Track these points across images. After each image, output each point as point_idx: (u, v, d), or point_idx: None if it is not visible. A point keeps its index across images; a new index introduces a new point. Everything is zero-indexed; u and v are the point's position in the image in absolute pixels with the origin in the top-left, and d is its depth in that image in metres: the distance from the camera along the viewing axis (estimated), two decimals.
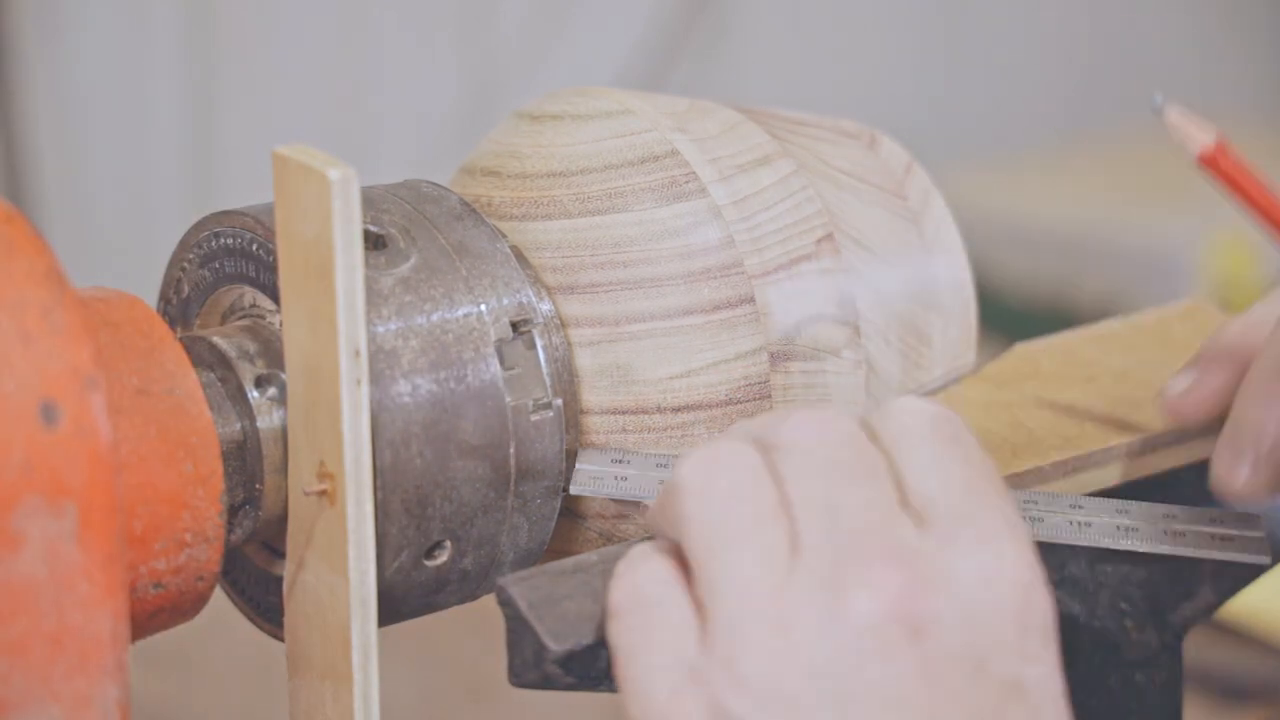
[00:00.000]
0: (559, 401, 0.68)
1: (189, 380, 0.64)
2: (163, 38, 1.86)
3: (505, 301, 0.67)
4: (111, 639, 0.57)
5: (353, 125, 1.97)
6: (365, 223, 0.66)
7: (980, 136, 2.37)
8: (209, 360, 0.66)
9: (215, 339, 0.67)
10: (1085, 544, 0.69)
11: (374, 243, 0.66)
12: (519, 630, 0.62)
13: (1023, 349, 0.80)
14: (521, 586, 0.62)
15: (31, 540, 0.56)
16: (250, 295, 0.68)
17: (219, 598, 0.67)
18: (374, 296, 0.65)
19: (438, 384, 0.65)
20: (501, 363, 0.67)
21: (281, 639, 0.67)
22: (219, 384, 0.66)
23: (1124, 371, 0.77)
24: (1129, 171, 2.21)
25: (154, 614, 0.63)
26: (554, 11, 2.06)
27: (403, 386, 0.64)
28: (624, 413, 0.69)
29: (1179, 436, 0.73)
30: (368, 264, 0.65)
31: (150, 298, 0.68)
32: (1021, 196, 2.16)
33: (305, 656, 0.65)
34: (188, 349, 0.65)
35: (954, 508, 0.58)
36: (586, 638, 0.62)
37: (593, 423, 0.69)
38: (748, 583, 0.57)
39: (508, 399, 0.66)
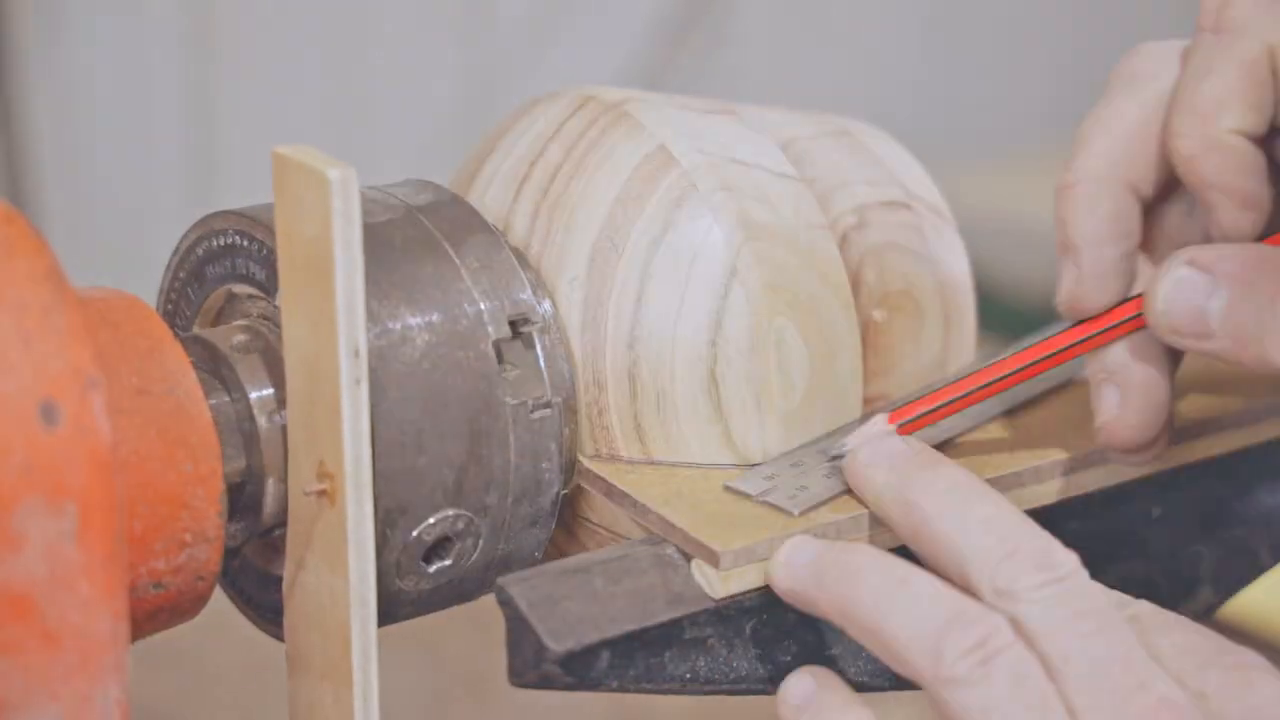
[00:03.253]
0: (559, 399, 0.68)
1: (189, 380, 0.64)
2: (163, 38, 1.86)
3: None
4: (111, 639, 0.57)
5: (353, 125, 1.97)
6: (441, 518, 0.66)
7: (980, 136, 2.37)
8: (209, 360, 0.66)
9: (215, 339, 0.67)
10: None
11: (436, 549, 0.67)
12: (519, 630, 0.62)
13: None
14: (521, 586, 0.62)
15: (31, 540, 0.56)
16: (250, 295, 0.68)
17: (219, 598, 0.67)
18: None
19: None
20: (499, 361, 0.67)
21: (281, 639, 0.67)
22: (219, 384, 0.66)
23: None
24: None
25: (154, 614, 0.63)
26: (554, 11, 2.06)
27: None
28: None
29: (1177, 436, 0.73)
30: (415, 570, 0.66)
31: (150, 298, 0.68)
32: (1021, 196, 2.15)
33: (305, 657, 0.65)
34: (188, 349, 0.65)
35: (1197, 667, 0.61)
36: (587, 637, 0.62)
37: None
38: None
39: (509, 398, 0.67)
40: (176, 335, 0.65)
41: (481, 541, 0.67)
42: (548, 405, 0.68)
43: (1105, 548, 0.72)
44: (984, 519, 0.62)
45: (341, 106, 1.97)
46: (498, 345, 0.67)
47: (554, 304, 0.69)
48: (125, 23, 1.82)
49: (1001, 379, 0.69)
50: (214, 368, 0.66)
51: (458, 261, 0.68)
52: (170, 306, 0.70)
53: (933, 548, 0.63)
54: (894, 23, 2.34)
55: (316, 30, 1.94)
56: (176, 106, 1.88)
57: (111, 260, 1.83)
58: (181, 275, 0.69)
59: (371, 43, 1.98)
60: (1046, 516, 0.70)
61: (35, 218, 1.75)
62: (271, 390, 0.66)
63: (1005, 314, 1.98)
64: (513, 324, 0.68)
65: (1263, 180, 0.66)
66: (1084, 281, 0.69)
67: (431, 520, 0.66)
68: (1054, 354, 0.69)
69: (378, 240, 0.67)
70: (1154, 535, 0.73)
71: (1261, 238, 0.67)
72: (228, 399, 0.66)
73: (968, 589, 0.62)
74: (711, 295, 0.69)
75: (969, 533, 0.62)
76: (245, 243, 0.67)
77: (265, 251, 0.66)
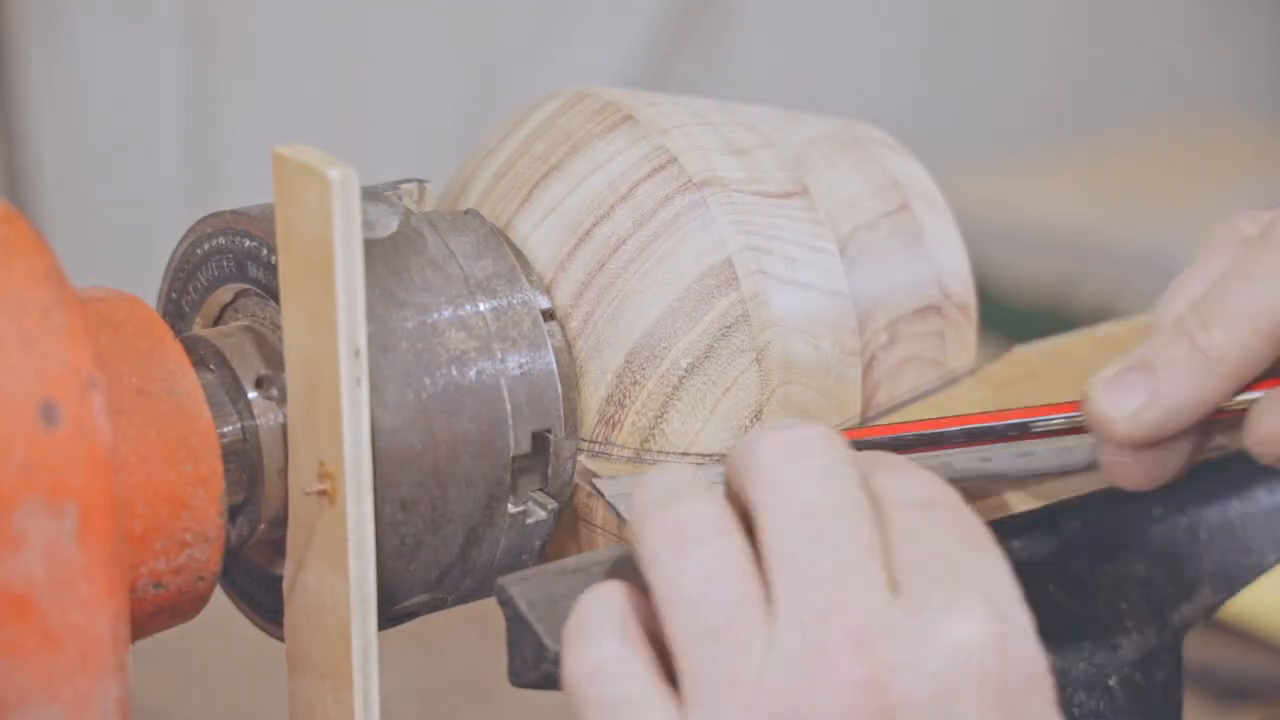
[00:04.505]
0: (555, 506, 0.69)
1: (189, 380, 0.64)
2: (163, 38, 1.86)
3: None
4: (111, 639, 0.57)
5: (353, 125, 1.97)
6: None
7: (980, 136, 2.37)
8: (209, 360, 0.66)
9: (215, 339, 0.67)
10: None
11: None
12: (519, 630, 0.62)
13: (1020, 351, 0.79)
14: (522, 586, 0.62)
15: (31, 540, 0.56)
16: (250, 295, 0.68)
17: (219, 598, 0.67)
18: None
19: None
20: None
21: (282, 639, 0.67)
22: (219, 384, 0.66)
23: None
24: (1129, 171, 2.21)
25: (154, 614, 0.63)
26: (554, 11, 2.06)
27: None
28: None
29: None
30: None
31: (150, 298, 0.68)
32: (1021, 196, 2.15)
33: (305, 656, 0.65)
34: (188, 349, 0.65)
35: (928, 567, 0.57)
36: None
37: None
38: (728, 678, 0.56)
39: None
40: (176, 335, 0.65)
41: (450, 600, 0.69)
42: (544, 510, 0.68)
43: (1105, 548, 0.72)
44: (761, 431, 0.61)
45: (341, 106, 1.97)
46: (515, 459, 0.67)
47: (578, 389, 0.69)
48: (125, 23, 1.82)
49: (979, 430, 0.69)
50: (214, 367, 0.66)
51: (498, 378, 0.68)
52: (170, 306, 0.70)
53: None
54: (894, 23, 2.34)
55: (317, 30, 1.94)
56: (177, 107, 1.88)
57: (111, 260, 1.83)
58: (182, 275, 0.69)
59: (371, 43, 1.98)
60: (1048, 516, 0.70)
61: (35, 218, 1.75)
62: (272, 390, 0.66)
63: (1005, 314, 1.98)
64: (535, 435, 0.68)
65: None
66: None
67: (406, 602, 0.67)
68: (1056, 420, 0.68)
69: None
70: (1154, 535, 0.73)
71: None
72: (228, 399, 0.66)
73: (732, 483, 0.60)
74: (731, 431, 0.69)
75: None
76: (245, 243, 0.67)
77: (265, 251, 0.66)
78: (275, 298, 0.65)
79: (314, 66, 1.95)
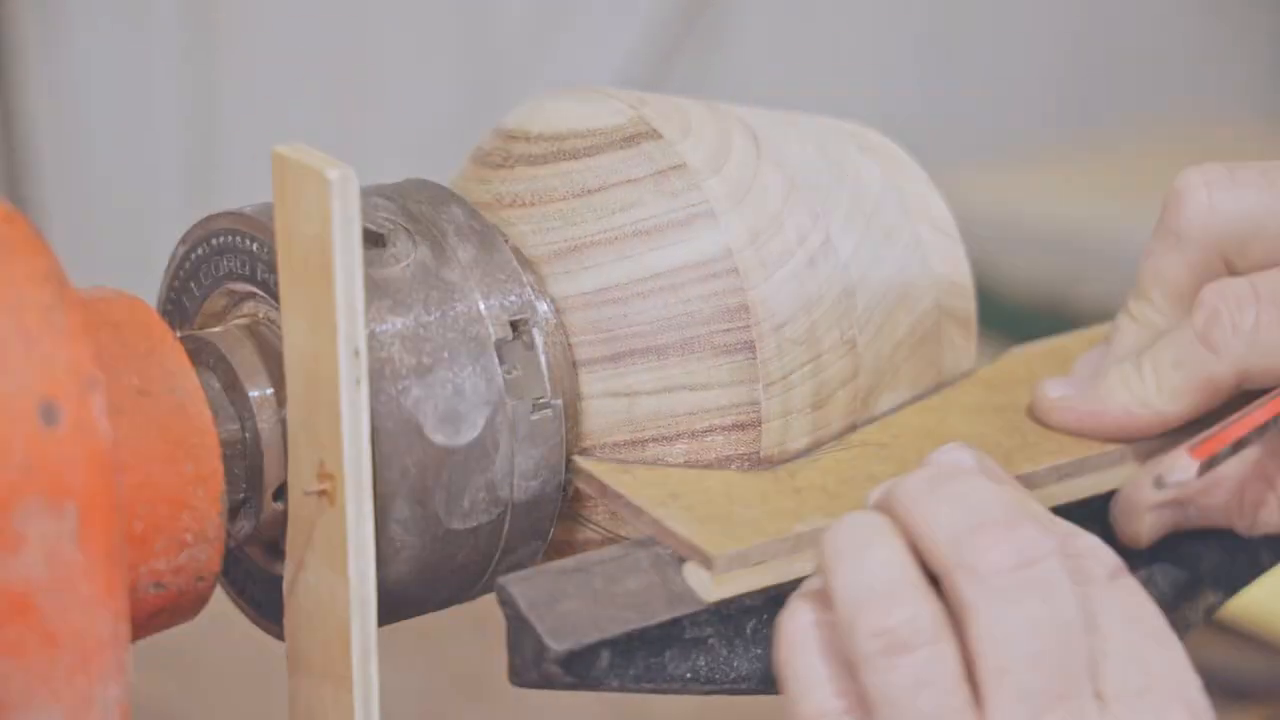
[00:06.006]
0: (558, 401, 0.68)
1: (189, 380, 0.64)
2: (163, 37, 1.86)
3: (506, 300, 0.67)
4: (112, 639, 0.57)
5: (353, 125, 1.97)
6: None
7: (980, 136, 2.37)
8: (209, 360, 0.66)
9: (215, 339, 0.67)
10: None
11: (373, 240, 0.66)
12: (519, 630, 0.62)
13: (1018, 352, 0.79)
14: (522, 586, 0.62)
15: (31, 540, 0.56)
16: (250, 295, 0.68)
17: (219, 597, 0.67)
18: (371, 292, 0.65)
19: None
20: (501, 362, 0.66)
21: (282, 639, 0.67)
22: (219, 384, 0.66)
23: None
24: (1129, 171, 2.21)
25: (154, 614, 0.63)
26: (554, 12, 2.06)
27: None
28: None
29: (1173, 442, 0.73)
30: (366, 262, 0.64)
31: (150, 298, 0.68)
32: (1021, 196, 2.15)
33: (305, 657, 0.65)
34: (188, 349, 0.65)
35: (1131, 680, 0.58)
36: (587, 637, 0.62)
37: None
38: None
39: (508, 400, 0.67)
40: (177, 335, 0.65)
41: None
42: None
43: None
44: (957, 493, 0.61)
45: (342, 106, 1.97)
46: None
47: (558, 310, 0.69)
48: (125, 23, 1.83)
49: None
50: (214, 367, 0.66)
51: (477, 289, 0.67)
52: (171, 306, 0.70)
53: (907, 521, 0.61)
54: (894, 22, 2.34)
55: (317, 30, 1.94)
56: (176, 106, 1.88)
57: (111, 260, 1.83)
58: (182, 275, 0.69)
59: (371, 42, 1.98)
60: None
61: (35, 218, 1.75)
62: (271, 390, 0.66)
63: (1005, 314, 1.98)
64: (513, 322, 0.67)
65: None
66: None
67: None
68: None
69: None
70: None
71: None
72: (228, 399, 0.66)
73: (932, 562, 0.60)
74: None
75: (938, 504, 0.60)
76: (245, 243, 0.67)
77: (265, 251, 0.66)
78: (275, 298, 0.65)
79: (314, 66, 1.95)
